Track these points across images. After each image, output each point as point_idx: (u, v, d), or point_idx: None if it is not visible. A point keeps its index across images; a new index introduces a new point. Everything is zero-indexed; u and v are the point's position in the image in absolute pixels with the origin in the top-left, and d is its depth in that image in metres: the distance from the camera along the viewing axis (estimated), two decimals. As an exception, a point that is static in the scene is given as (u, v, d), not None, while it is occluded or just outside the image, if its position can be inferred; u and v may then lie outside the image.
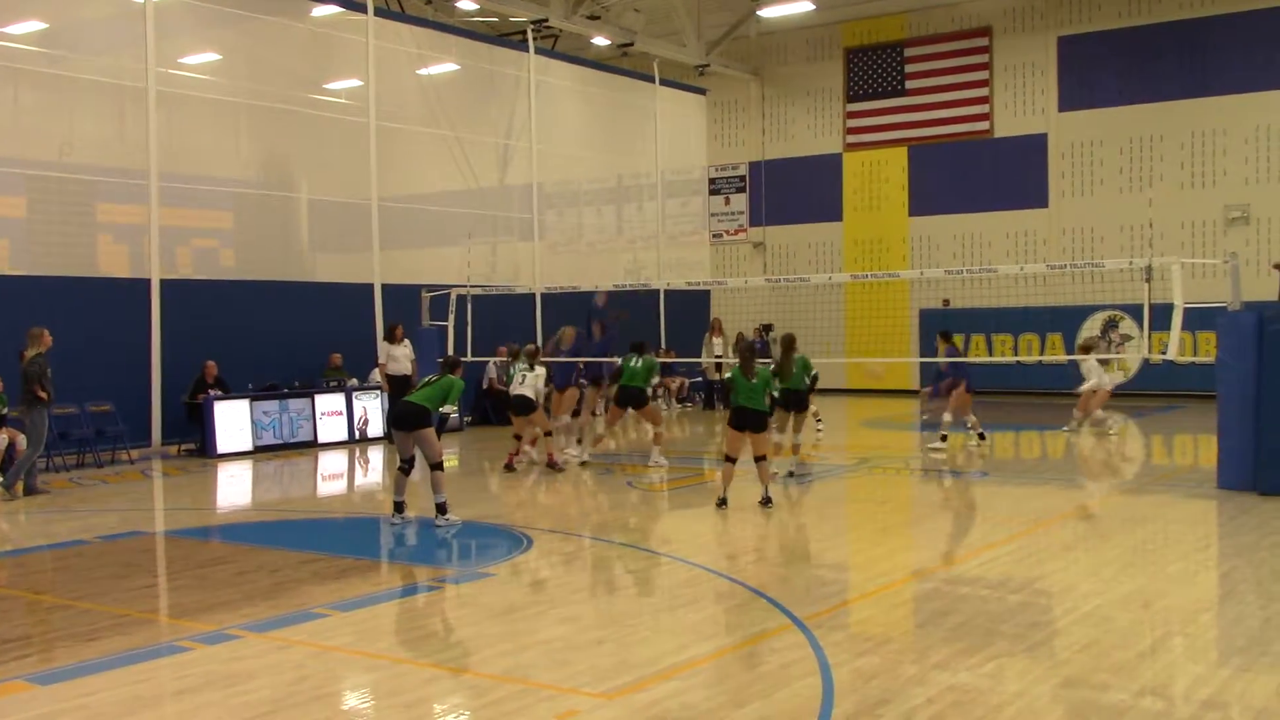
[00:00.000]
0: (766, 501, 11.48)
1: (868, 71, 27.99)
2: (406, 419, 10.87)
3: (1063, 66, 25.74)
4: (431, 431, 10.86)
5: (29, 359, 12.85)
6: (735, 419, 11.53)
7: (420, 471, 11.62)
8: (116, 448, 16.14)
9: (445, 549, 10.71)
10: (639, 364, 14.35)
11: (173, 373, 16.84)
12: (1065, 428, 18.13)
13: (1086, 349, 18.73)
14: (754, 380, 11.46)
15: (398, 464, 11.07)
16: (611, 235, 27.26)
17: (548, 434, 14.90)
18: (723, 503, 11.51)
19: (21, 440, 13.40)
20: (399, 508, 11.04)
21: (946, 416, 16.07)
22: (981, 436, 16.44)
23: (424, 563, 10.16)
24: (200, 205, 18.70)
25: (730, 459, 11.61)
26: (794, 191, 29.03)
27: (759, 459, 11.61)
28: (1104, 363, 18.87)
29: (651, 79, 26.59)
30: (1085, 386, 17.84)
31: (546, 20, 23.38)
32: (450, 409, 11.15)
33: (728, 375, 12.82)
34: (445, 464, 11.21)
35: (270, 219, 19.39)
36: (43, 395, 12.79)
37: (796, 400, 13.66)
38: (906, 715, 5.56)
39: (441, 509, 10.89)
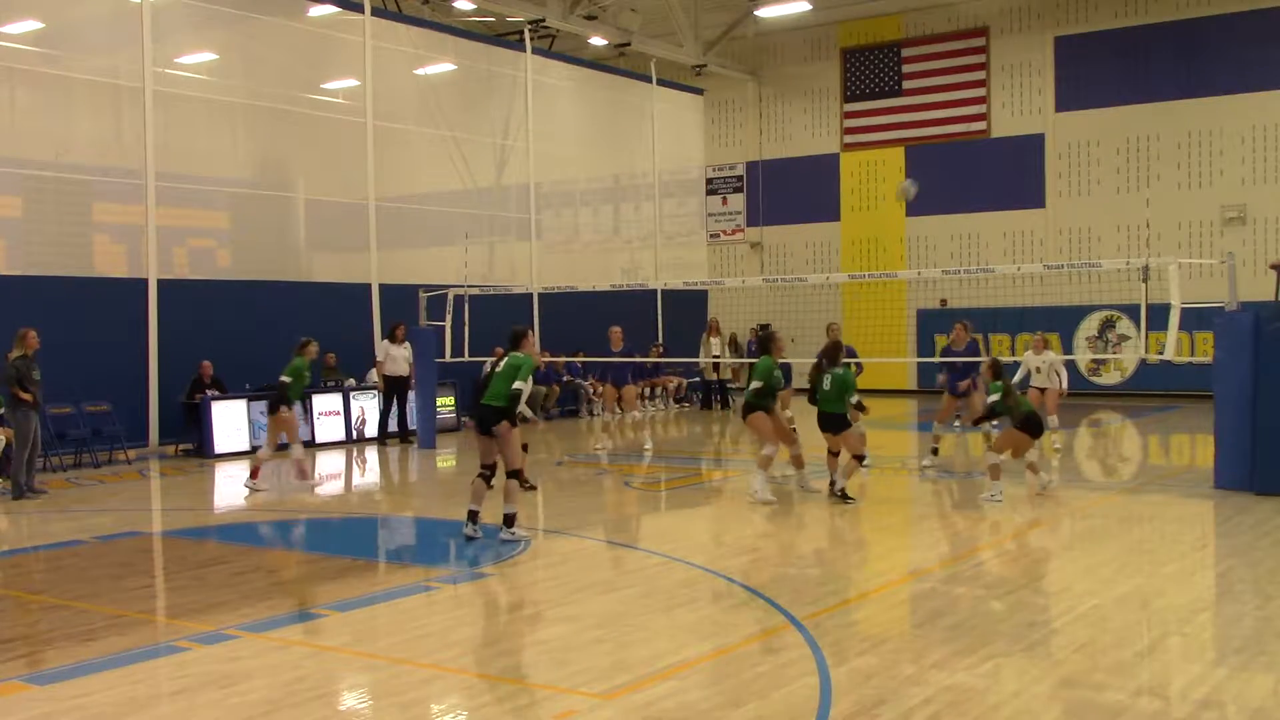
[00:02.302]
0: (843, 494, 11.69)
1: (865, 72, 28.01)
2: (486, 420, 10.23)
3: (1060, 67, 25.76)
4: (514, 433, 10.11)
5: (10, 360, 12.82)
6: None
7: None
8: (114, 448, 16.12)
9: (443, 549, 10.70)
10: (828, 384, 11.85)
11: (170, 373, 16.82)
12: (1057, 446, 16.02)
13: (1046, 342, 16.51)
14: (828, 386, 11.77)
15: (478, 470, 10.37)
16: (609, 235, 27.24)
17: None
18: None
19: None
20: (472, 516, 10.19)
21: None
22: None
23: (422, 563, 10.16)
24: (197, 205, 18.68)
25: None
26: (791, 191, 29.04)
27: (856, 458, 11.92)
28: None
29: (649, 79, 26.58)
30: (1060, 386, 15.94)
31: (544, 20, 23.39)
32: (521, 385, 10.09)
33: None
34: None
35: (267, 219, 19.36)
36: (25, 397, 12.75)
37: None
38: (904, 715, 5.56)
39: (509, 520, 10.05)
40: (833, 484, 11.80)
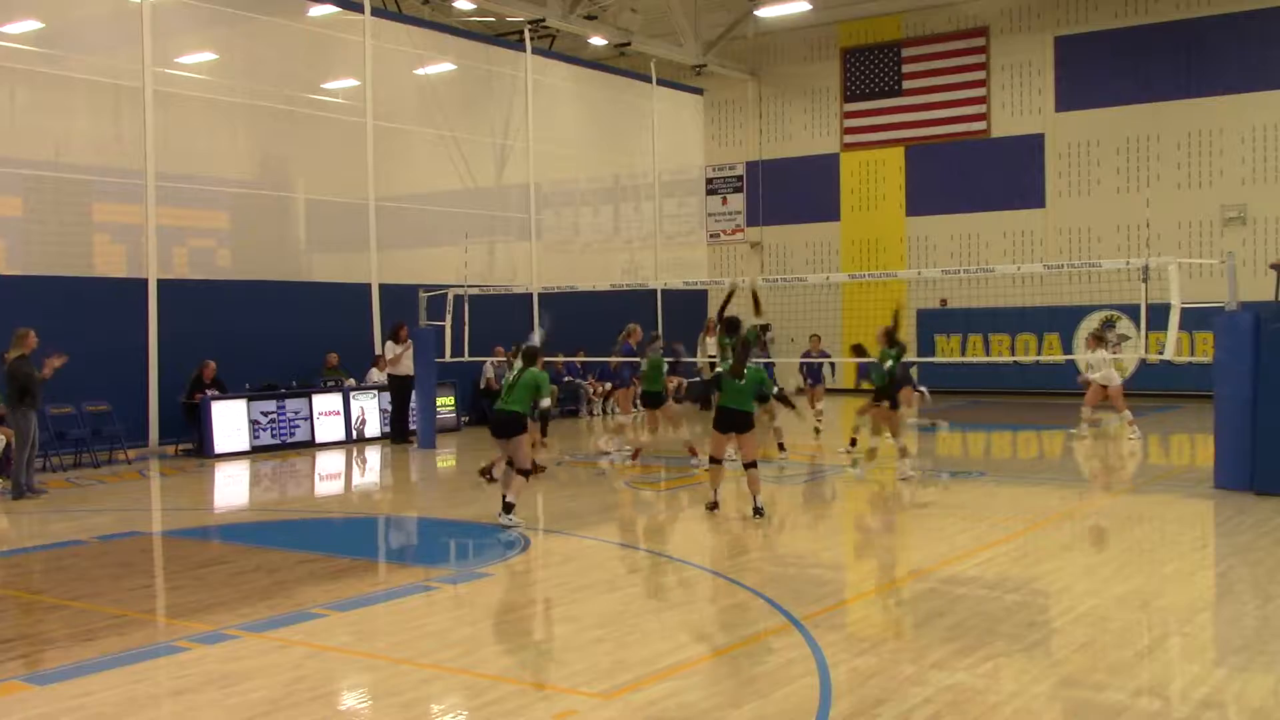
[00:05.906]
0: (758, 512, 10.96)
1: (865, 71, 28.00)
2: (503, 428, 10.87)
3: (1060, 66, 25.74)
4: (524, 439, 10.86)
5: (11, 361, 12.82)
6: (720, 420, 11.22)
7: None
8: (114, 448, 16.12)
9: (443, 549, 10.71)
10: (742, 381, 11.13)
11: (170, 373, 16.82)
12: (1135, 435, 16.87)
13: (1099, 339, 17.70)
14: (743, 381, 11.11)
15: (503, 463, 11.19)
16: (609, 235, 27.25)
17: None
18: (714, 506, 11.43)
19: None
20: (507, 507, 10.88)
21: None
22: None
23: (422, 563, 10.16)
24: (197, 205, 18.67)
25: (716, 460, 11.52)
26: (791, 191, 29.03)
27: (748, 466, 11.10)
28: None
29: (649, 79, 26.59)
30: (1096, 376, 16.88)
31: (544, 20, 23.38)
32: (546, 403, 11.19)
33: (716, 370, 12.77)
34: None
35: (267, 219, 19.37)
36: (28, 398, 12.75)
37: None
38: (904, 715, 5.57)
39: (508, 508, 10.78)
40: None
